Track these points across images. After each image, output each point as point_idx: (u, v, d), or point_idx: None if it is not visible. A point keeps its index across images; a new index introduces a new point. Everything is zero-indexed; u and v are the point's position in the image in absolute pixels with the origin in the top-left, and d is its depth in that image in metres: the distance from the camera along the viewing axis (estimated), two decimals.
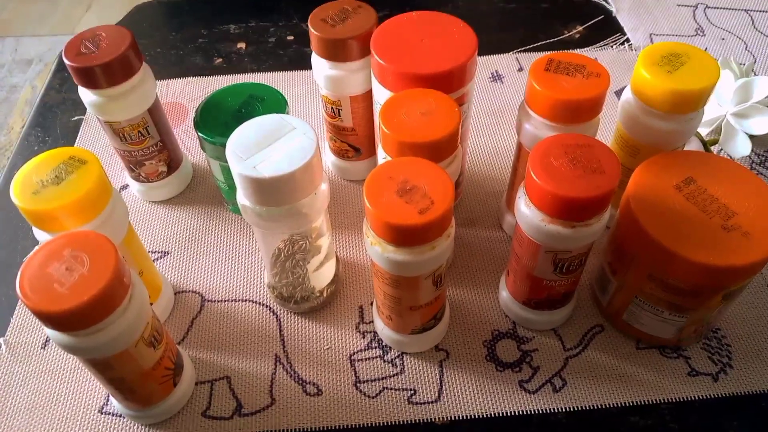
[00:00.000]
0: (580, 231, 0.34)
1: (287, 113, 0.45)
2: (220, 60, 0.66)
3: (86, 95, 0.44)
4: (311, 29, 0.43)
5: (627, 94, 0.41)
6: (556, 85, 0.37)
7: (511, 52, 0.64)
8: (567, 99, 0.37)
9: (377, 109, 0.42)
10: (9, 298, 0.46)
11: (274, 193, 0.34)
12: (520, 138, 0.41)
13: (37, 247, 0.31)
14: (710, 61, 0.39)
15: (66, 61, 0.42)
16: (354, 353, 0.42)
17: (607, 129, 0.55)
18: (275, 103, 0.45)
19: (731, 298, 0.37)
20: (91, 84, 0.43)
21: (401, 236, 0.32)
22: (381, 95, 0.41)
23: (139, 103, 0.45)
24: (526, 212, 0.35)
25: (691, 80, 0.38)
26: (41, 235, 0.36)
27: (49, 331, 0.31)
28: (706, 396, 0.39)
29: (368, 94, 0.46)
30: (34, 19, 1.89)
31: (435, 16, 0.42)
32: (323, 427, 0.39)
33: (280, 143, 0.35)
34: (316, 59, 0.45)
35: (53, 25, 1.87)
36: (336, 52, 0.43)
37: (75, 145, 0.57)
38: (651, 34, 0.67)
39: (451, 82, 0.39)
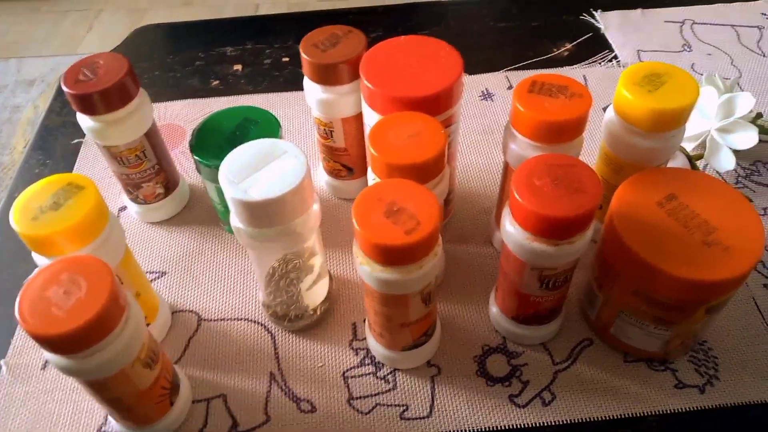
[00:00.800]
0: (564, 249, 0.35)
1: (281, 136, 0.46)
2: (217, 82, 0.67)
3: (84, 121, 0.46)
4: (303, 54, 0.44)
5: (610, 113, 0.42)
6: (540, 107, 0.38)
7: (502, 71, 0.66)
8: (550, 120, 0.38)
9: (368, 130, 0.43)
10: (9, 320, 0.47)
11: (266, 215, 0.35)
12: (506, 157, 0.42)
13: (36, 271, 0.32)
14: (690, 80, 0.40)
15: (64, 88, 0.43)
16: (347, 370, 0.43)
17: (595, 145, 0.56)
18: (269, 126, 0.46)
19: (715, 311, 0.38)
20: (89, 110, 0.44)
21: (389, 256, 0.33)
22: (371, 118, 0.42)
23: (136, 127, 0.47)
24: (511, 230, 0.36)
25: (671, 99, 0.39)
26: (40, 260, 0.37)
27: (47, 354, 0.32)
28: (693, 408, 0.40)
29: (359, 116, 0.47)
30: (37, 40, 1.92)
31: (422, 40, 0.43)
32: None
33: (271, 167, 0.36)
34: (308, 83, 0.47)
35: (56, 46, 1.90)
36: (327, 77, 0.45)
37: (74, 167, 0.59)
38: (639, 51, 0.68)
39: (438, 105, 0.40)
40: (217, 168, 0.42)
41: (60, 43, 1.91)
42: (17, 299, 0.31)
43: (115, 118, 0.45)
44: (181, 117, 0.63)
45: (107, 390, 0.34)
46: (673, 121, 0.40)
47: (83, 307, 0.30)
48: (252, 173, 0.35)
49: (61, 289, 0.31)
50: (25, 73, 1.79)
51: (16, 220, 0.35)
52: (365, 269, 0.35)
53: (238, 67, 0.69)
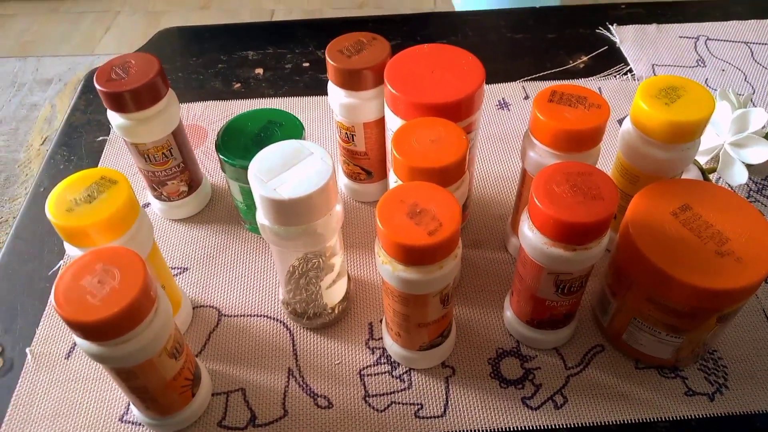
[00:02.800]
0: (581, 254, 0.36)
1: (304, 138, 0.47)
2: (238, 85, 0.69)
3: (115, 118, 0.47)
4: (328, 60, 0.46)
5: (627, 125, 0.43)
6: (559, 116, 0.39)
7: (518, 81, 0.67)
8: (569, 129, 0.39)
9: (389, 135, 0.44)
10: (35, 310, 0.48)
11: (292, 213, 0.37)
12: (525, 165, 0.43)
13: (69, 261, 0.34)
14: (706, 94, 0.41)
15: (97, 87, 0.45)
16: (363, 368, 0.44)
17: (610, 155, 0.57)
18: (293, 128, 0.48)
19: (726, 320, 0.39)
20: (120, 108, 0.46)
21: (411, 256, 0.34)
22: (393, 123, 0.43)
23: (164, 126, 0.48)
24: (529, 235, 0.37)
25: (688, 112, 0.40)
26: (72, 250, 0.38)
27: (79, 341, 0.33)
28: (702, 415, 0.41)
29: (381, 121, 0.48)
30: (55, 40, 1.95)
31: (445, 48, 0.45)
32: None
33: (298, 167, 0.37)
34: (332, 87, 0.48)
35: (73, 47, 1.92)
36: (351, 82, 0.46)
37: (99, 164, 0.60)
38: (653, 65, 0.69)
39: (459, 112, 0.41)
40: (242, 167, 0.43)
41: (77, 43, 1.94)
42: (53, 287, 0.32)
43: (145, 117, 0.46)
44: (203, 118, 0.64)
45: (134, 378, 0.36)
46: (688, 133, 0.41)
47: (117, 296, 0.32)
48: (280, 173, 0.37)
49: (96, 278, 0.32)
50: (42, 72, 1.82)
51: (51, 211, 0.36)
52: (387, 268, 0.36)
53: (259, 70, 0.71)
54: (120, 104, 0.45)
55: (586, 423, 0.41)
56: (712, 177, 0.54)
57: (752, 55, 0.70)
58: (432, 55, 0.44)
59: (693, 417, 0.41)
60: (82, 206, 0.37)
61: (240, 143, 0.47)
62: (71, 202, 0.37)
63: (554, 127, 0.39)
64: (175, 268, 0.51)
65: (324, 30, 0.78)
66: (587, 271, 0.39)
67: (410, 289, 0.36)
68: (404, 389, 0.43)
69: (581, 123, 0.39)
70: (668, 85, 0.42)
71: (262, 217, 0.38)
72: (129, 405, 0.42)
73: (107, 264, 0.33)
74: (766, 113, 0.51)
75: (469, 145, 0.39)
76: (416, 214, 0.34)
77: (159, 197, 0.53)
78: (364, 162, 0.52)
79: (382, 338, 0.45)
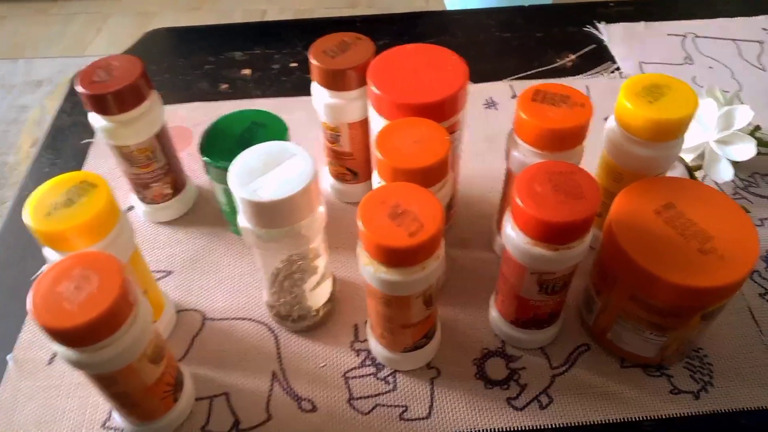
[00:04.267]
0: (563, 254, 0.36)
1: (288, 139, 0.47)
2: (226, 86, 0.68)
3: (97, 120, 0.47)
4: (312, 60, 0.45)
5: (611, 123, 0.43)
6: (542, 115, 0.39)
7: (506, 80, 0.67)
8: (552, 128, 0.39)
9: (374, 135, 0.44)
10: (17, 316, 0.48)
11: (273, 215, 0.36)
12: (509, 164, 0.43)
13: (47, 266, 0.33)
14: (689, 92, 0.41)
15: (79, 89, 0.45)
16: (348, 371, 0.44)
17: (596, 153, 0.57)
18: (276, 130, 0.47)
19: (710, 318, 0.39)
20: (103, 110, 0.45)
21: (392, 257, 0.34)
22: (377, 123, 0.43)
23: (148, 128, 0.48)
24: (512, 235, 0.37)
25: (671, 110, 0.40)
26: (52, 255, 0.37)
27: (57, 347, 0.33)
28: (687, 413, 0.41)
29: (365, 121, 0.48)
30: (45, 42, 1.94)
31: (429, 48, 0.44)
32: None
33: (280, 169, 0.37)
34: (316, 88, 0.48)
35: (64, 48, 1.92)
36: (335, 82, 0.46)
37: (83, 167, 0.60)
38: (641, 63, 0.69)
39: (442, 112, 0.41)
40: (225, 169, 0.43)
41: (68, 45, 1.94)
42: (30, 293, 0.32)
43: (128, 119, 0.46)
44: (189, 120, 0.64)
45: (115, 384, 0.35)
46: (672, 131, 0.41)
47: (94, 301, 0.31)
48: (261, 174, 0.36)
49: (73, 284, 0.32)
50: (33, 74, 1.81)
51: (30, 215, 0.36)
52: (369, 270, 0.35)
53: (246, 71, 0.70)
54: (102, 106, 0.45)
55: (571, 423, 0.40)
56: (698, 174, 0.54)
57: (740, 52, 0.70)
58: (416, 54, 0.44)
59: (678, 415, 0.41)
60: (61, 210, 0.36)
61: (224, 145, 0.46)
62: (50, 206, 0.37)
63: (537, 126, 0.39)
64: (158, 271, 0.50)
65: (312, 30, 0.77)
66: (570, 270, 0.39)
67: (392, 290, 0.36)
68: (389, 391, 0.42)
69: (564, 122, 0.39)
70: (651, 83, 0.42)
71: (243, 220, 0.38)
72: (111, 411, 0.42)
73: (85, 269, 0.33)
74: (751, 111, 0.51)
75: (451, 146, 0.39)
76: (398, 215, 0.34)
77: (143, 200, 0.52)
78: (350, 162, 0.52)
79: (366, 340, 0.45)
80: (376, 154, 0.38)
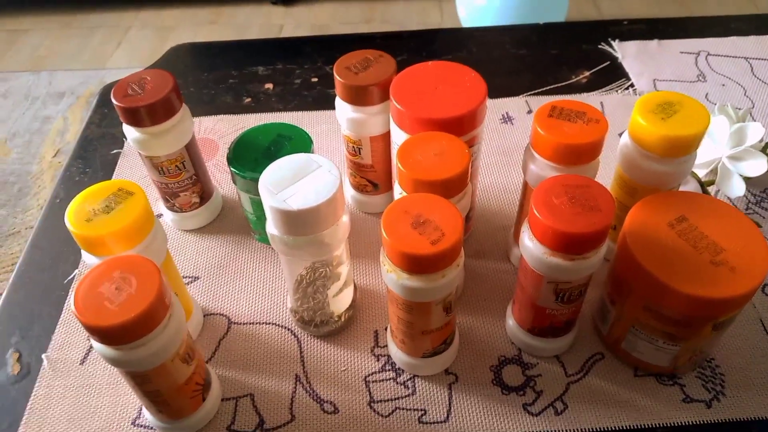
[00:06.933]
0: (579, 263, 0.37)
1: (312, 151, 0.49)
2: (249, 99, 0.71)
3: (130, 132, 0.49)
4: (336, 76, 0.47)
5: (625, 139, 0.45)
6: (559, 130, 0.41)
7: (521, 96, 0.69)
8: (569, 143, 0.40)
9: (395, 149, 0.46)
10: (51, 317, 0.50)
11: (301, 224, 0.38)
12: (526, 177, 0.45)
13: (86, 269, 0.35)
14: (701, 109, 0.43)
15: (114, 102, 0.47)
16: (369, 375, 0.45)
17: (610, 168, 0.58)
18: (301, 142, 0.49)
19: (721, 328, 0.40)
20: (136, 122, 0.48)
21: (415, 264, 0.36)
22: (399, 137, 0.45)
23: (178, 140, 0.50)
24: (529, 245, 0.38)
25: (683, 127, 0.41)
26: (90, 259, 0.39)
27: (96, 345, 0.35)
28: (699, 422, 0.42)
29: (387, 135, 0.50)
30: (67, 54, 1.98)
31: (449, 65, 0.46)
32: None
33: (307, 179, 0.39)
34: (339, 103, 0.50)
35: (85, 61, 1.96)
36: (358, 97, 0.48)
37: (113, 176, 0.62)
38: (654, 80, 0.70)
39: (462, 126, 0.43)
40: (253, 180, 0.45)
41: (89, 57, 1.98)
42: (72, 293, 0.34)
43: (159, 131, 0.48)
44: (214, 132, 0.66)
45: (148, 382, 0.37)
46: (684, 147, 0.42)
47: (133, 302, 0.33)
48: (289, 185, 0.38)
49: (114, 285, 0.34)
50: (55, 86, 1.86)
51: (71, 221, 0.38)
52: (392, 277, 0.37)
53: (269, 85, 0.72)
54: (136, 119, 0.47)
55: (585, 429, 0.42)
56: (711, 189, 0.55)
57: (752, 70, 0.71)
58: (436, 71, 0.46)
59: (690, 423, 0.42)
60: (101, 216, 0.38)
61: (251, 156, 0.48)
62: (90, 213, 0.39)
63: (554, 141, 0.41)
64: (186, 277, 0.52)
65: (332, 46, 0.80)
66: (586, 280, 0.40)
67: (414, 296, 0.38)
68: (408, 395, 0.44)
69: (580, 137, 0.40)
70: (665, 101, 0.43)
71: (272, 227, 0.40)
72: (141, 409, 0.44)
73: (124, 272, 0.34)
74: (762, 128, 0.52)
75: (471, 159, 0.41)
76: (420, 224, 0.36)
77: (171, 208, 0.54)
78: (371, 174, 0.54)
79: (386, 346, 0.46)
80: (398, 166, 0.40)
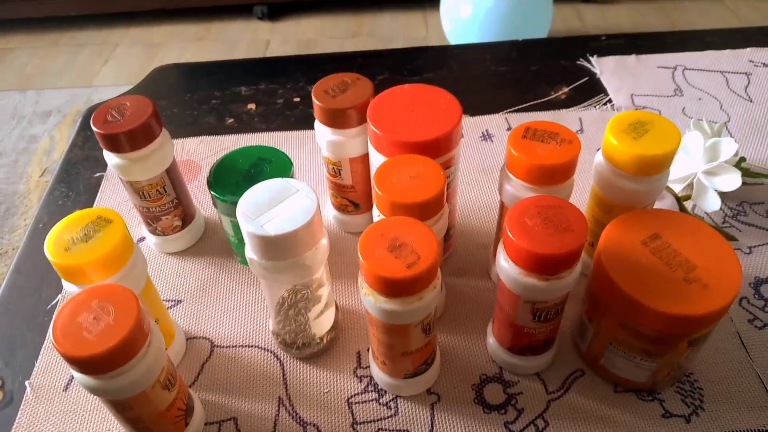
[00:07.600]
0: (554, 283, 0.38)
1: (292, 174, 0.49)
2: (231, 120, 0.71)
3: (110, 158, 0.49)
4: (314, 100, 0.48)
5: (599, 158, 0.45)
6: (532, 151, 0.42)
7: (501, 113, 0.69)
8: (542, 164, 0.41)
9: (374, 171, 0.46)
10: (35, 343, 0.50)
11: (279, 248, 0.38)
12: (502, 197, 0.45)
13: (67, 297, 0.35)
14: (672, 128, 0.43)
15: (94, 128, 0.47)
16: (351, 396, 0.45)
17: (589, 184, 0.59)
18: (282, 165, 0.50)
19: (696, 344, 0.40)
20: (115, 148, 0.48)
21: (391, 288, 0.36)
22: (376, 159, 0.45)
23: (158, 164, 0.50)
24: (505, 266, 0.39)
25: (654, 146, 0.42)
26: (70, 287, 0.40)
27: (76, 375, 0.35)
28: None
29: (366, 156, 0.50)
30: (54, 72, 1.98)
31: (424, 88, 0.47)
32: None
33: (285, 204, 0.39)
34: (318, 125, 0.50)
35: (72, 79, 1.96)
36: (336, 120, 0.48)
37: (96, 199, 0.62)
38: (632, 95, 0.71)
39: (438, 148, 0.43)
40: (233, 203, 0.45)
41: (76, 75, 1.98)
42: (51, 324, 0.34)
43: (139, 156, 0.48)
44: (197, 153, 0.66)
45: (129, 410, 0.37)
46: (656, 166, 0.43)
47: (111, 331, 0.33)
48: (267, 210, 0.38)
49: (92, 314, 0.34)
50: (42, 105, 1.86)
51: (50, 250, 0.38)
52: (369, 300, 0.37)
53: (251, 106, 0.73)
54: (116, 145, 0.48)
55: None
56: (688, 204, 0.56)
57: (727, 83, 0.73)
58: (412, 94, 0.46)
59: None
60: (79, 245, 0.39)
61: (231, 179, 0.49)
62: (68, 242, 0.39)
63: (527, 162, 0.41)
64: (169, 300, 0.52)
65: (315, 65, 0.81)
66: (562, 299, 0.40)
67: (392, 319, 0.38)
68: (391, 416, 0.44)
69: (553, 158, 0.41)
70: (636, 120, 0.44)
71: (250, 252, 0.40)
72: None
73: (102, 300, 0.35)
74: (735, 143, 0.53)
75: (447, 181, 0.41)
76: (396, 247, 0.36)
77: (153, 232, 0.55)
78: (351, 195, 0.54)
79: (369, 367, 0.47)
80: (374, 189, 0.40)
